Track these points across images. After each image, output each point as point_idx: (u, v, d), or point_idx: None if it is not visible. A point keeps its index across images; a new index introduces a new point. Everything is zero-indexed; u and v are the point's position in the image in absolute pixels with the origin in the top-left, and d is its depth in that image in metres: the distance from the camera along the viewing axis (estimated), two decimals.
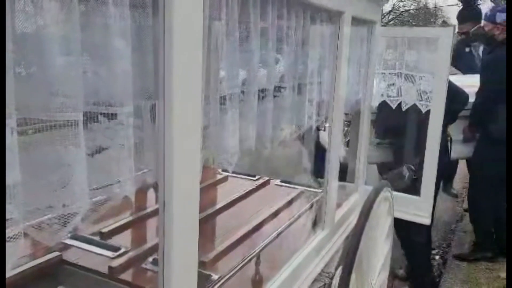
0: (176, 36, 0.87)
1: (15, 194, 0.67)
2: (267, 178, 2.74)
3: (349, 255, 1.82)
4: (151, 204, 2.09)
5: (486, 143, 3.69)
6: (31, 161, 0.73)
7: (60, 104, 0.73)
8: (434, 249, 4.49)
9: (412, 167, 3.01)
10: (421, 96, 2.62)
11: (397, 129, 3.17)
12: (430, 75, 2.57)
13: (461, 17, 4.61)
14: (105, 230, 1.84)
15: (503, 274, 3.67)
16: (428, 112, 2.61)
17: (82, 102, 0.76)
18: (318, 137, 3.33)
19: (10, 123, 0.63)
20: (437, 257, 4.36)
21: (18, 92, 0.68)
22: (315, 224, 2.12)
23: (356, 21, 2.08)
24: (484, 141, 3.72)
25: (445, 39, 2.39)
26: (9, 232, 0.70)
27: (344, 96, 2.06)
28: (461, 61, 4.50)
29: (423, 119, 2.71)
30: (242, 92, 1.31)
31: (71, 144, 0.74)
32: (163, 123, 0.90)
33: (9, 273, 1.54)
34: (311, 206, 2.28)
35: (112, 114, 0.83)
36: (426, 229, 3.23)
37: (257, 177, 2.71)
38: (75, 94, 0.75)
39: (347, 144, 2.89)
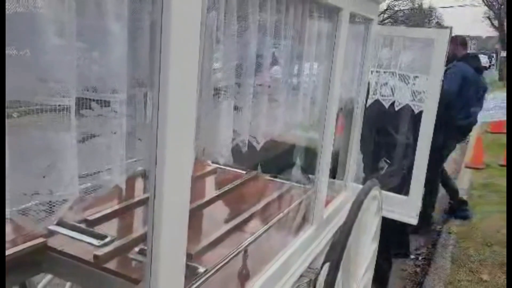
0: (174, 23, 0.85)
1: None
2: (255, 172, 2.72)
3: (337, 251, 1.82)
4: (139, 193, 2.07)
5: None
6: (18, 145, 0.71)
7: (51, 88, 0.70)
8: (418, 249, 4.54)
9: (388, 161, 3.03)
10: (414, 97, 2.63)
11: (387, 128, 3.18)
12: (424, 75, 2.58)
13: None
14: (91, 218, 1.81)
15: (485, 276, 3.72)
16: (419, 113, 2.63)
17: (75, 88, 0.74)
18: None
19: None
20: (420, 257, 4.40)
21: (8, 74, 0.66)
22: (303, 219, 2.12)
23: (353, 18, 2.07)
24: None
25: (441, 40, 2.39)
26: None
27: (338, 93, 2.05)
28: None
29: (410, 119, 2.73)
30: (237, 84, 1.30)
31: (62, 130, 0.72)
32: (157, 113, 0.89)
33: None
34: (301, 202, 2.27)
35: (105, 101, 0.81)
36: None
37: (246, 171, 2.70)
38: (67, 79, 0.73)
39: None
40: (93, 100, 0.80)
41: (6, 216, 0.73)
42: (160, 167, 0.91)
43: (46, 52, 0.71)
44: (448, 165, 5.85)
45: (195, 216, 1.97)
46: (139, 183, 2.06)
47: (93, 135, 0.84)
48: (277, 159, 2.95)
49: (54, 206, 0.78)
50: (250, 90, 1.35)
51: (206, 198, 2.18)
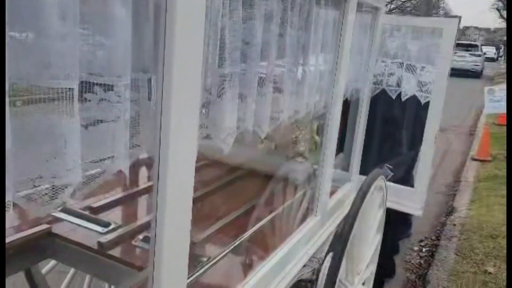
0: (179, 8, 0.84)
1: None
2: None
3: (341, 241, 1.82)
4: (144, 180, 2.07)
5: None
6: (22, 129, 0.70)
7: (54, 71, 0.70)
8: (422, 240, 4.53)
9: (391, 166, 2.99)
10: (421, 87, 2.60)
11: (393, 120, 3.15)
12: (431, 66, 2.55)
13: None
14: (95, 205, 1.82)
15: (490, 269, 3.71)
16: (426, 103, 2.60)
17: (78, 71, 0.73)
18: None
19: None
20: (424, 249, 4.39)
21: (11, 57, 0.66)
22: (307, 210, 2.12)
23: (360, 6, 2.05)
24: None
25: (449, 30, 2.36)
26: None
27: (344, 83, 2.03)
28: None
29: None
30: (242, 72, 1.29)
31: (65, 113, 0.71)
32: (161, 98, 0.88)
33: None
34: (305, 192, 2.27)
35: (108, 85, 0.81)
36: None
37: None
38: (71, 62, 0.72)
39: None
40: (97, 84, 0.79)
41: (10, 201, 0.72)
42: (164, 154, 0.90)
43: (49, 35, 0.70)
44: (455, 157, 5.82)
45: (199, 203, 1.97)
46: (143, 171, 2.06)
47: (97, 121, 0.83)
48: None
49: (57, 191, 0.78)
50: (255, 78, 1.33)
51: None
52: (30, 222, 1.65)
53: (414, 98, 2.69)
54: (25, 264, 1.87)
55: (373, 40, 2.42)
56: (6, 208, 0.70)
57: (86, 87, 0.79)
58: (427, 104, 2.61)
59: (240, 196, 2.26)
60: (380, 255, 2.51)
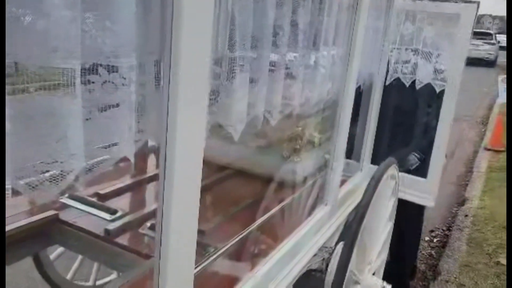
0: None
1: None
2: None
3: (352, 231, 1.78)
4: (151, 168, 2.05)
5: None
6: (22, 112, 0.67)
7: (56, 50, 0.66)
8: (433, 231, 4.48)
9: (417, 155, 2.93)
10: (437, 75, 2.53)
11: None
12: (447, 53, 2.47)
13: None
14: (102, 192, 1.80)
15: (503, 261, 3.66)
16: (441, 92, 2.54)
17: (80, 51, 0.69)
18: None
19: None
20: (435, 239, 4.35)
21: (11, 36, 0.62)
22: (318, 199, 2.08)
23: None
24: None
25: (467, 16, 2.28)
26: None
27: (357, 71, 1.98)
28: None
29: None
30: (253, 56, 1.24)
31: (67, 95, 0.68)
32: (168, 83, 0.84)
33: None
34: (315, 181, 2.23)
35: (112, 66, 0.77)
36: None
37: None
38: (73, 42, 0.68)
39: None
40: (101, 65, 0.75)
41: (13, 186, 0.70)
42: (171, 140, 0.87)
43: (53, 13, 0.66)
44: (467, 147, 5.73)
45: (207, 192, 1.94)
46: (151, 158, 2.03)
47: (102, 105, 0.80)
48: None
49: (60, 176, 0.75)
50: (267, 62, 1.29)
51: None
52: (36, 208, 1.64)
53: (428, 86, 2.62)
54: (32, 249, 1.87)
55: (387, 25, 2.35)
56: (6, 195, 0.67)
57: (90, 68, 0.75)
58: (441, 92, 2.54)
59: (250, 185, 2.23)
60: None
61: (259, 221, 1.81)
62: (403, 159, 2.86)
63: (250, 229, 1.73)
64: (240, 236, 1.64)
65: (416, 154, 2.92)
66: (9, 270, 1.57)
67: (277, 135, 2.32)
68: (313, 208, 2.01)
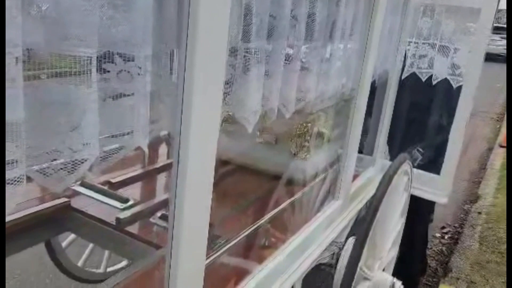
0: None
1: (17, 132, 0.61)
2: None
3: (364, 227, 1.77)
4: (162, 158, 2.05)
5: None
6: (37, 99, 0.67)
7: (72, 38, 0.65)
8: (444, 227, 4.45)
9: (421, 150, 2.89)
10: (454, 70, 2.48)
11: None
12: (466, 47, 2.42)
13: None
14: (114, 180, 1.80)
15: None
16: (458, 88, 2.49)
17: (97, 39, 0.68)
18: None
19: (14, 51, 0.56)
20: (446, 236, 4.31)
21: (26, 22, 0.61)
22: (329, 194, 2.07)
23: None
24: None
25: (488, 9, 2.23)
26: (10, 174, 0.64)
27: (373, 65, 1.95)
28: None
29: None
30: (269, 47, 1.22)
31: (82, 83, 0.67)
32: (183, 72, 0.83)
33: (18, 214, 1.53)
34: (326, 176, 2.21)
35: (128, 55, 0.76)
36: None
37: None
38: (90, 30, 0.68)
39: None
40: (117, 54, 0.74)
41: (25, 174, 0.69)
42: (185, 130, 0.86)
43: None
44: (481, 144, 5.66)
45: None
46: (162, 148, 2.03)
47: (117, 94, 0.79)
48: None
49: (74, 165, 0.74)
50: (282, 54, 1.27)
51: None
52: (49, 195, 1.65)
53: (445, 81, 2.57)
54: (45, 235, 1.88)
55: (404, 19, 2.31)
56: (19, 182, 0.67)
57: (106, 56, 0.74)
58: (458, 88, 2.50)
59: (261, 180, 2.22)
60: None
61: (269, 214, 1.80)
62: (409, 154, 2.83)
63: (260, 223, 1.72)
64: (251, 229, 1.64)
65: (420, 149, 2.89)
66: (22, 256, 1.59)
67: (289, 129, 2.31)
68: (324, 202, 2.00)
